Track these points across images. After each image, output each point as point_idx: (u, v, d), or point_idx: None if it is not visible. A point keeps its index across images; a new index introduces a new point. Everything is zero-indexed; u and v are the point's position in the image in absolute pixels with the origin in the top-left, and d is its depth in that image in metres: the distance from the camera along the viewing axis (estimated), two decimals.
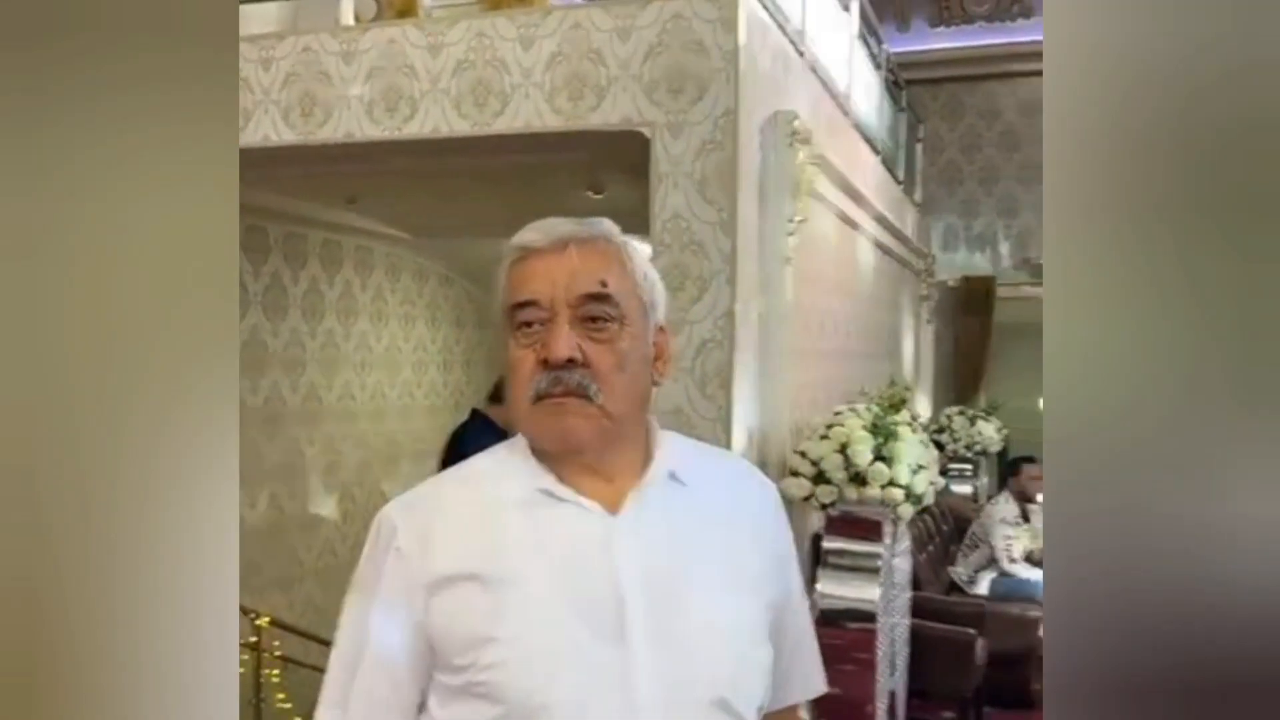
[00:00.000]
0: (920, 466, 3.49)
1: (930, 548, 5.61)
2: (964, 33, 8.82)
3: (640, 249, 1.15)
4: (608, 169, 4.04)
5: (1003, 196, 9.46)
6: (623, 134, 3.19)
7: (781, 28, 3.66)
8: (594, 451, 1.09)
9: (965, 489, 7.15)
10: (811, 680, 1.23)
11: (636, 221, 3.21)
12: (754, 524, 1.17)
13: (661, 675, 1.04)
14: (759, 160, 3.30)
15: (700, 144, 3.07)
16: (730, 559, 1.12)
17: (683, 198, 3.08)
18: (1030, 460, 6.06)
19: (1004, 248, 9.39)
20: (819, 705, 3.37)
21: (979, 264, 9.34)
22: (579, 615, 1.04)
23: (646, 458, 1.13)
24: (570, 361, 1.06)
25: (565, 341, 1.06)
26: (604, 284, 1.08)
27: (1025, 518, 5.88)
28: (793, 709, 1.23)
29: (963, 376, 8.99)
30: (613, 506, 1.09)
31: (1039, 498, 6.08)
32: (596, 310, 1.08)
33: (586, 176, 4.22)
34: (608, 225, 1.14)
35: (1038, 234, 9.33)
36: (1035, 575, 5.67)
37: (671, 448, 1.15)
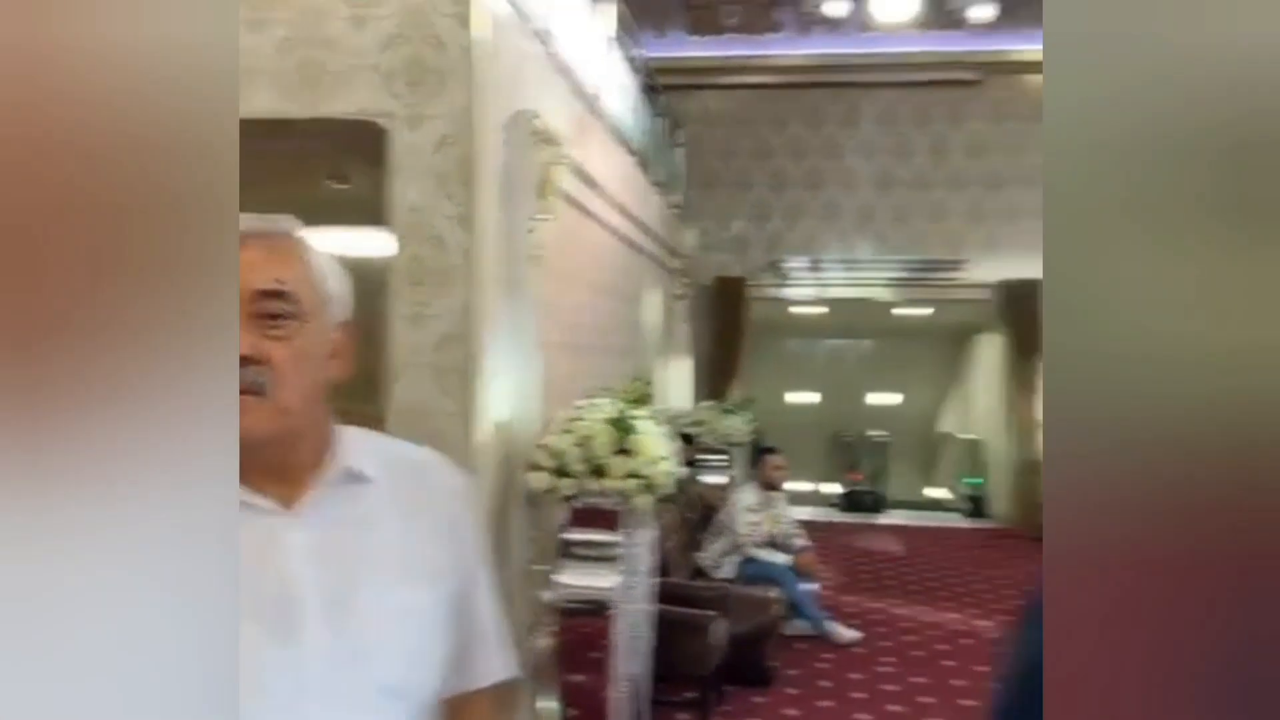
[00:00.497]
0: (660, 458, 3.63)
1: (678, 535, 5.84)
2: (717, 43, 9.21)
3: (322, 247, 1.14)
4: (351, 159, 3.93)
5: (755, 202, 9.97)
6: (360, 124, 3.12)
7: (527, 25, 3.69)
8: (269, 449, 1.07)
9: (720, 479, 7.47)
10: (493, 667, 1.26)
11: (380, 213, 3.16)
12: (437, 516, 1.19)
13: (332, 669, 1.05)
14: (502, 157, 3.32)
15: (439, 138, 3.06)
16: (407, 552, 1.13)
17: (420, 191, 3.05)
18: (772, 451, 6.44)
19: (755, 250, 9.90)
20: (564, 694, 3.46)
21: (732, 265, 9.80)
22: (249, 613, 1.03)
23: (327, 455, 1.13)
24: (245, 359, 1.04)
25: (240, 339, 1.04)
26: (280, 281, 1.07)
27: (768, 504, 6.24)
28: (481, 693, 1.25)
29: (717, 372, 9.42)
30: (289, 504, 1.08)
31: (783, 485, 6.48)
32: (273, 307, 1.06)
33: (329, 165, 4.09)
34: (288, 221, 1.13)
35: (785, 237, 9.91)
36: (777, 558, 6.04)
37: (353, 444, 1.15)
